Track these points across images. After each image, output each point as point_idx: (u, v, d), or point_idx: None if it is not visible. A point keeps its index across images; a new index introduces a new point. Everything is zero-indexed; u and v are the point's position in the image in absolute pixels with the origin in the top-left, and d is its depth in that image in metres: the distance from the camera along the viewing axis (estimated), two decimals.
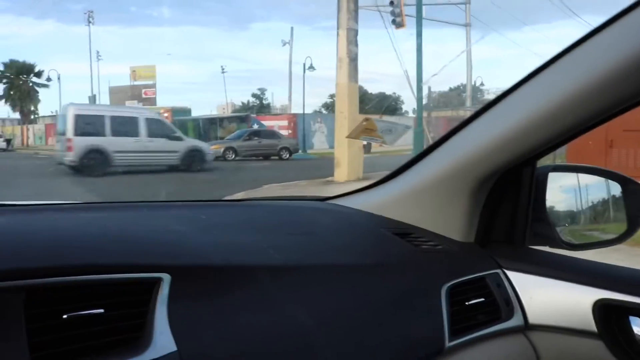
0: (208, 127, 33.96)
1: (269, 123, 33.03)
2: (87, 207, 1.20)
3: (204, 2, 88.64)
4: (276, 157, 23.60)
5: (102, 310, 0.76)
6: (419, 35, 14.96)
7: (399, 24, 16.77)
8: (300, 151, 26.51)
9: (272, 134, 25.87)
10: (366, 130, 1.30)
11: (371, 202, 1.38)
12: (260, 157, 23.20)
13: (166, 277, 0.82)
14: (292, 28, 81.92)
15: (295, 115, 33.88)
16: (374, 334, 0.96)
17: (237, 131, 27.11)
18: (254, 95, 58.52)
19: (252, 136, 24.52)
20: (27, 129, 46.54)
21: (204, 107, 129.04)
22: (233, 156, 22.67)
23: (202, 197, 8.12)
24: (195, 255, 0.94)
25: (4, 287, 0.72)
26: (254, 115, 36.76)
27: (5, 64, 49.27)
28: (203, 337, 0.80)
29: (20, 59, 51.07)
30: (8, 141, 36.63)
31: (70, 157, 14.79)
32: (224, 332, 0.82)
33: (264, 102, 57.93)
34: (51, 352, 0.71)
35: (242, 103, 57.74)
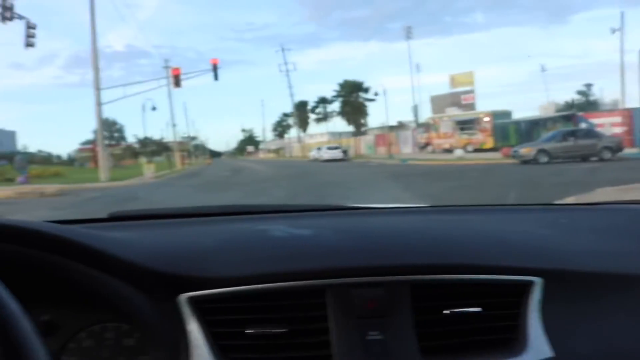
0: (530, 129, 32.33)
1: (598, 121, 29.78)
2: (433, 210, 1.28)
3: (520, 1, 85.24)
4: (595, 158, 21.05)
5: (480, 309, 0.79)
6: None
7: None
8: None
9: (589, 133, 23.27)
10: None
11: None
12: (577, 159, 20.94)
13: (538, 281, 0.81)
14: (622, 13, 72.04)
15: (630, 110, 29.71)
16: None
17: (549, 132, 25.29)
18: (578, 92, 53.67)
19: (566, 136, 22.32)
20: (359, 140, 52.18)
21: (524, 109, 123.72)
22: (546, 159, 21.05)
23: None
24: (566, 259, 0.89)
25: (395, 280, 0.79)
26: (580, 114, 33.56)
27: (340, 84, 56.80)
28: (579, 345, 0.76)
29: (351, 78, 58.10)
30: (345, 152, 41.69)
31: None
32: (599, 341, 0.77)
33: (589, 98, 52.58)
34: (436, 344, 0.76)
35: (565, 102, 53.56)
